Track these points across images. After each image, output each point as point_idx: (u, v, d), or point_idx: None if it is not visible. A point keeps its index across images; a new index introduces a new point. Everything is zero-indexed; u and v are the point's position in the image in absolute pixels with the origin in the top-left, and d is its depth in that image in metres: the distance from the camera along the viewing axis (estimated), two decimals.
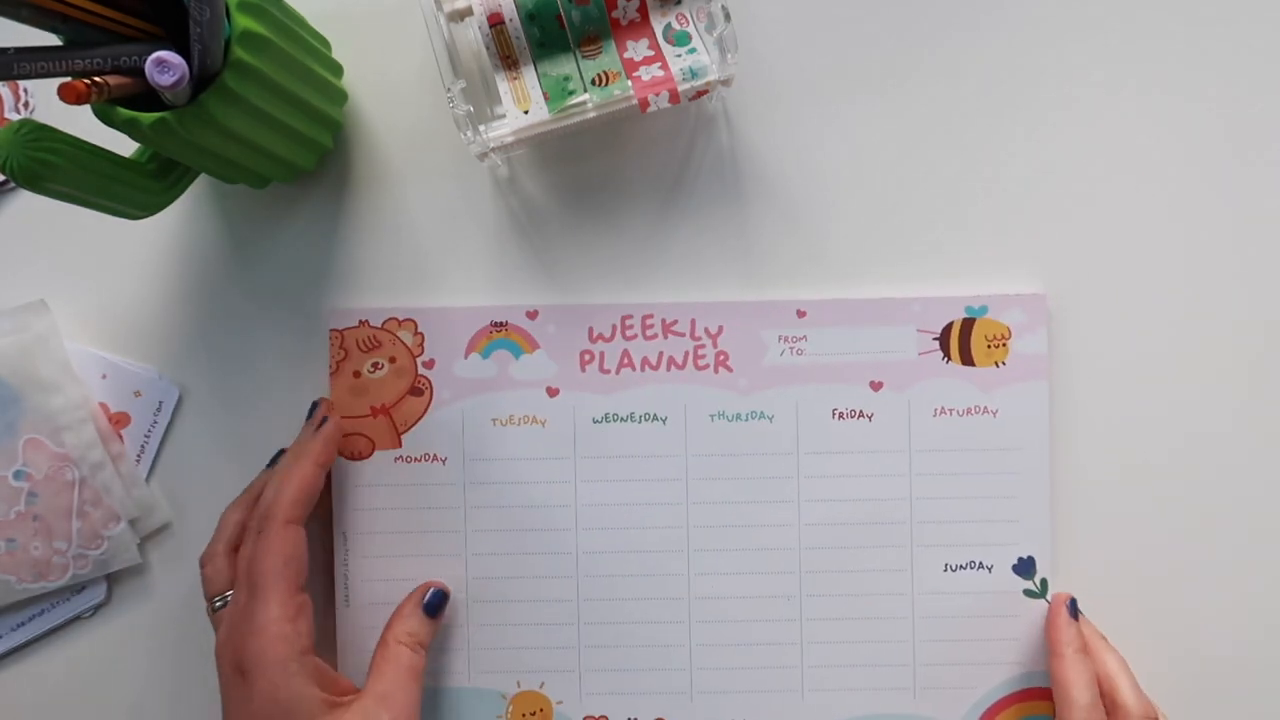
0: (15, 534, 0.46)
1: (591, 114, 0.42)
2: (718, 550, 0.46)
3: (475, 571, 0.46)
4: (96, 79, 0.33)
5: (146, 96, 0.36)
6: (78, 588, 0.47)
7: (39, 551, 0.46)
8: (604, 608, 0.46)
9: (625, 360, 0.46)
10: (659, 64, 0.42)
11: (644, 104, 0.41)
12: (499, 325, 0.46)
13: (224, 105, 0.37)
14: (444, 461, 0.46)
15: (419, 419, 0.46)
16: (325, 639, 0.45)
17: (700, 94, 0.42)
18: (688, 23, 0.43)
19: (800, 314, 0.46)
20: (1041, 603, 0.45)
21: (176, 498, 0.48)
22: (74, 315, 0.48)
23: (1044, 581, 0.45)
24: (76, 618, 0.47)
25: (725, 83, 0.42)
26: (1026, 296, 0.46)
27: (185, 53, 0.35)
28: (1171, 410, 0.46)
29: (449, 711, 0.46)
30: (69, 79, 0.33)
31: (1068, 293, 0.46)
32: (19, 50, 0.34)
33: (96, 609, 0.47)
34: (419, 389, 0.46)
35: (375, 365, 0.46)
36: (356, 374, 0.46)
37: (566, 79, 0.43)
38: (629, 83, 0.42)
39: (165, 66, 0.34)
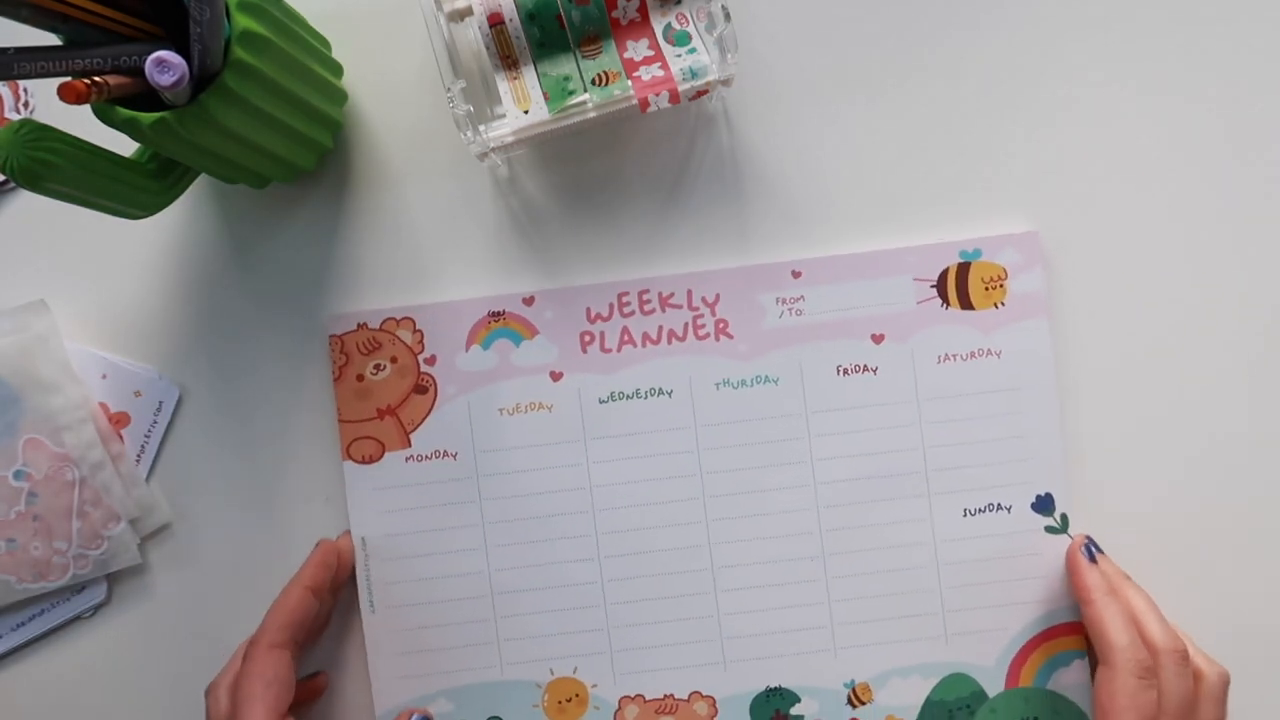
0: (15, 534, 0.46)
1: (591, 114, 0.42)
2: (736, 518, 0.46)
3: (496, 563, 0.46)
4: (96, 79, 0.33)
5: (146, 96, 0.36)
6: (78, 588, 0.47)
7: (39, 551, 0.46)
8: (628, 586, 0.46)
9: (625, 337, 0.46)
10: (659, 64, 0.42)
11: (644, 104, 0.41)
12: (497, 315, 0.46)
13: (224, 105, 0.37)
14: (455, 457, 0.46)
15: (426, 416, 0.46)
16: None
17: (700, 94, 0.42)
18: (688, 23, 0.43)
19: (795, 274, 0.46)
20: (1064, 538, 0.45)
21: (176, 498, 0.48)
22: (74, 315, 0.48)
23: (1064, 517, 0.45)
24: (76, 618, 0.47)
25: (725, 83, 0.42)
26: (1019, 236, 0.46)
27: (185, 53, 0.35)
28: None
29: (485, 706, 0.46)
30: (69, 79, 0.33)
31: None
32: (19, 50, 0.34)
33: (96, 609, 0.47)
34: (423, 386, 0.46)
35: (377, 367, 0.46)
36: (360, 377, 0.46)
37: (566, 79, 0.43)
38: (629, 83, 0.42)
39: (165, 66, 0.34)
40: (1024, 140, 0.46)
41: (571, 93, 0.42)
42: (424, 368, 0.46)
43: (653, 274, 0.46)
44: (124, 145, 0.39)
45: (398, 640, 0.45)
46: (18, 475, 0.46)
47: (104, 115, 0.37)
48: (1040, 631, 0.45)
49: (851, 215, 0.46)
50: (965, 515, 0.45)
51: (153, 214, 0.41)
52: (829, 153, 0.47)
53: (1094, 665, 0.43)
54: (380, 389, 0.46)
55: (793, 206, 0.46)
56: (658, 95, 0.41)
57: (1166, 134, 0.46)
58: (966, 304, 0.46)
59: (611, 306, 0.46)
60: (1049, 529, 0.45)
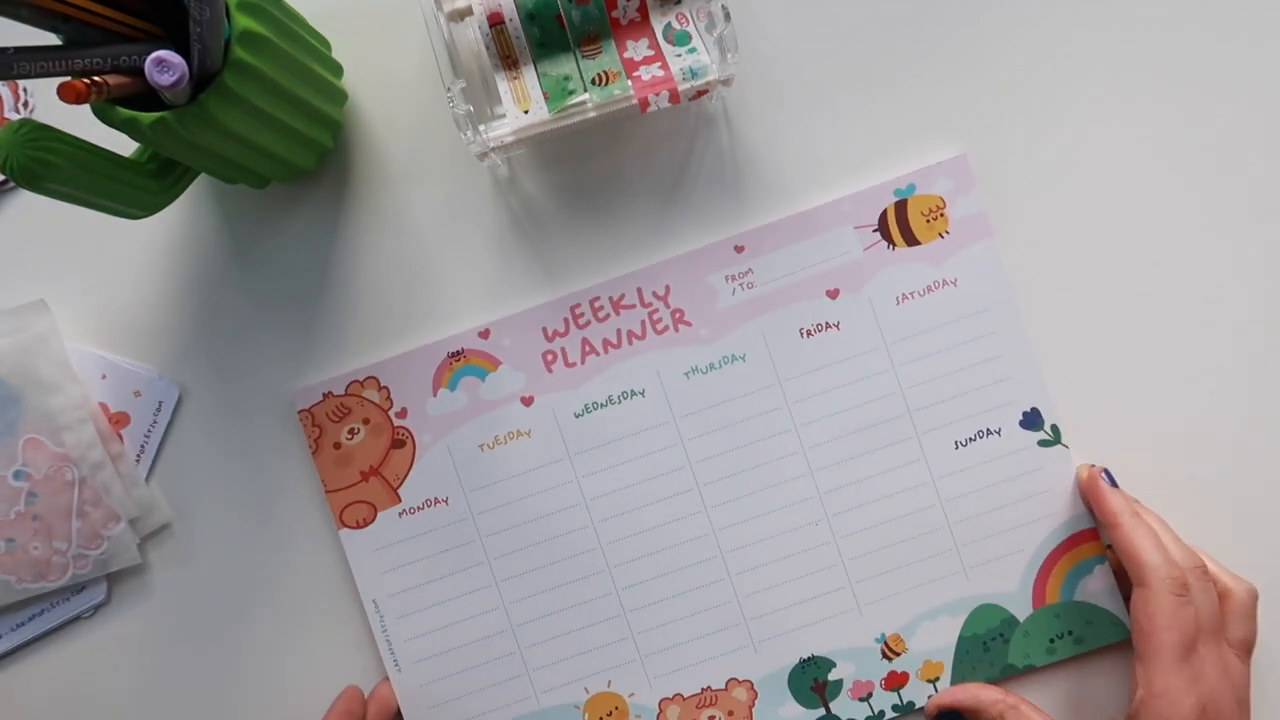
0: (15, 534, 0.46)
1: (591, 114, 0.42)
2: (734, 500, 0.46)
3: (510, 595, 0.46)
4: (96, 79, 0.33)
5: (146, 96, 0.36)
6: (78, 588, 0.47)
7: (39, 551, 0.46)
8: (644, 590, 0.46)
9: (587, 348, 0.46)
10: (659, 64, 0.42)
11: (644, 104, 0.41)
12: (456, 355, 0.46)
13: (224, 105, 0.37)
14: (447, 502, 0.46)
15: (409, 469, 0.46)
16: None
17: (700, 94, 0.42)
18: (688, 22, 0.43)
19: (739, 249, 0.46)
20: (1060, 448, 0.45)
21: (176, 498, 0.47)
22: (74, 315, 0.48)
23: (1055, 428, 0.45)
24: (76, 618, 0.47)
25: (725, 83, 0.42)
26: (948, 162, 0.46)
27: (185, 53, 0.35)
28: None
29: None
30: (69, 79, 0.33)
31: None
32: (19, 50, 0.34)
33: (96, 609, 0.47)
34: (400, 440, 0.46)
35: (351, 431, 0.46)
36: (337, 445, 0.46)
37: (566, 79, 0.43)
38: (629, 82, 0.42)
39: (165, 66, 0.34)
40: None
41: (571, 93, 0.42)
42: (397, 422, 0.46)
43: (600, 279, 0.46)
44: (124, 145, 0.39)
45: (430, 693, 0.46)
46: (17, 475, 0.46)
47: (104, 115, 0.37)
48: (1057, 545, 0.45)
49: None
50: (957, 447, 0.45)
51: (153, 214, 0.41)
52: (829, 153, 0.46)
53: (1118, 572, 0.44)
54: (359, 452, 0.46)
55: (792, 207, 0.46)
56: (658, 95, 0.41)
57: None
58: (912, 240, 0.46)
59: (566, 321, 0.46)
60: (1042, 443, 0.45)
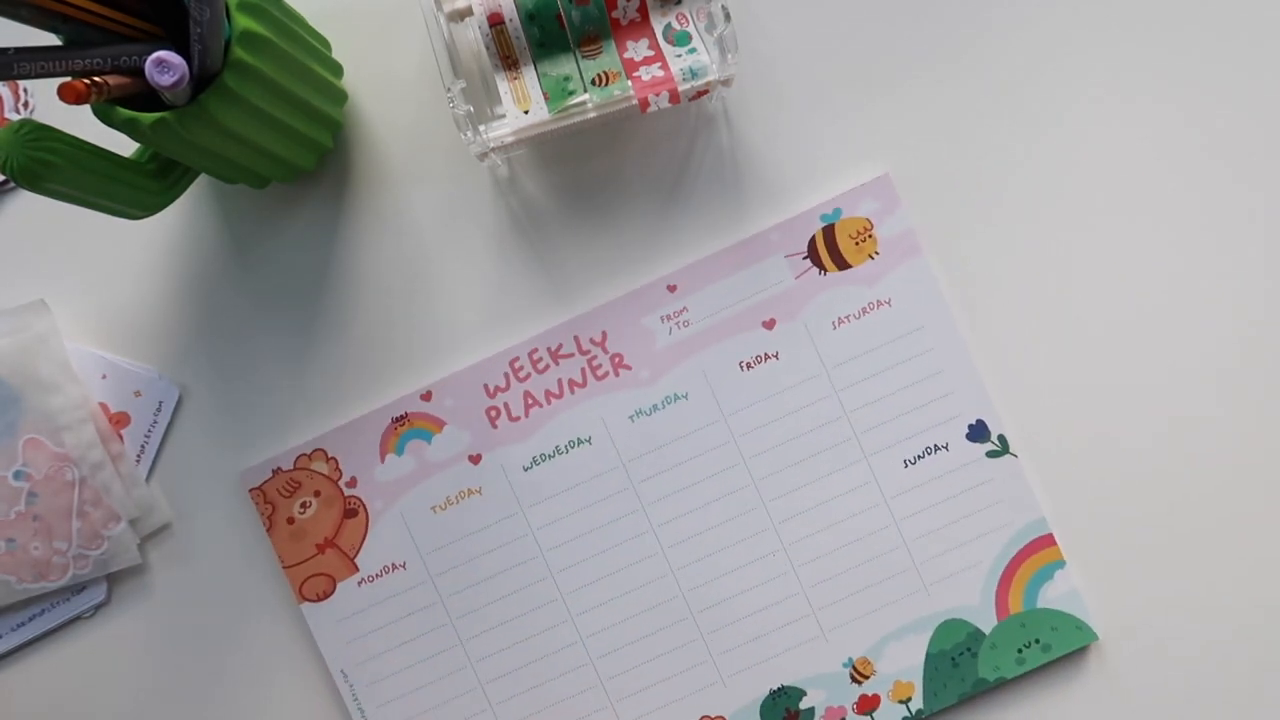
0: (15, 534, 0.46)
1: (591, 114, 0.42)
2: (689, 538, 0.46)
3: (476, 653, 0.46)
4: (96, 79, 0.33)
5: (146, 96, 0.36)
6: (78, 588, 0.47)
7: (39, 551, 0.46)
8: (610, 635, 0.46)
9: (530, 401, 0.46)
10: (659, 64, 0.42)
11: (644, 104, 0.41)
12: (400, 419, 0.46)
13: (224, 105, 0.37)
14: (404, 566, 0.46)
15: (364, 538, 0.46)
16: None
17: (700, 94, 0.42)
18: (688, 23, 0.43)
19: (671, 288, 0.46)
20: (1009, 458, 0.45)
21: (176, 498, 0.48)
22: (74, 315, 0.48)
23: (1002, 438, 0.45)
24: (76, 618, 0.47)
25: (725, 83, 0.42)
26: (871, 183, 0.46)
27: (185, 53, 0.35)
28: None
29: None
30: (69, 79, 0.33)
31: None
32: (19, 50, 0.34)
33: (96, 609, 0.47)
34: (352, 509, 0.46)
35: (304, 505, 0.46)
36: (290, 520, 0.46)
37: (566, 79, 0.43)
38: (629, 83, 0.42)
39: (165, 66, 0.34)
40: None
41: (571, 93, 0.42)
42: (348, 491, 0.46)
43: (536, 331, 0.46)
44: (124, 145, 0.39)
45: None
46: (17, 475, 0.46)
47: (104, 115, 0.37)
48: (1014, 554, 0.45)
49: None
50: (906, 466, 0.45)
51: (153, 214, 0.41)
52: (829, 153, 0.47)
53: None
54: (313, 525, 0.46)
55: (792, 206, 0.46)
56: (658, 95, 0.41)
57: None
58: (843, 264, 0.46)
59: (507, 376, 0.46)
60: (990, 453, 0.45)
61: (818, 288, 0.46)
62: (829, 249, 0.46)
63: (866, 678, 0.45)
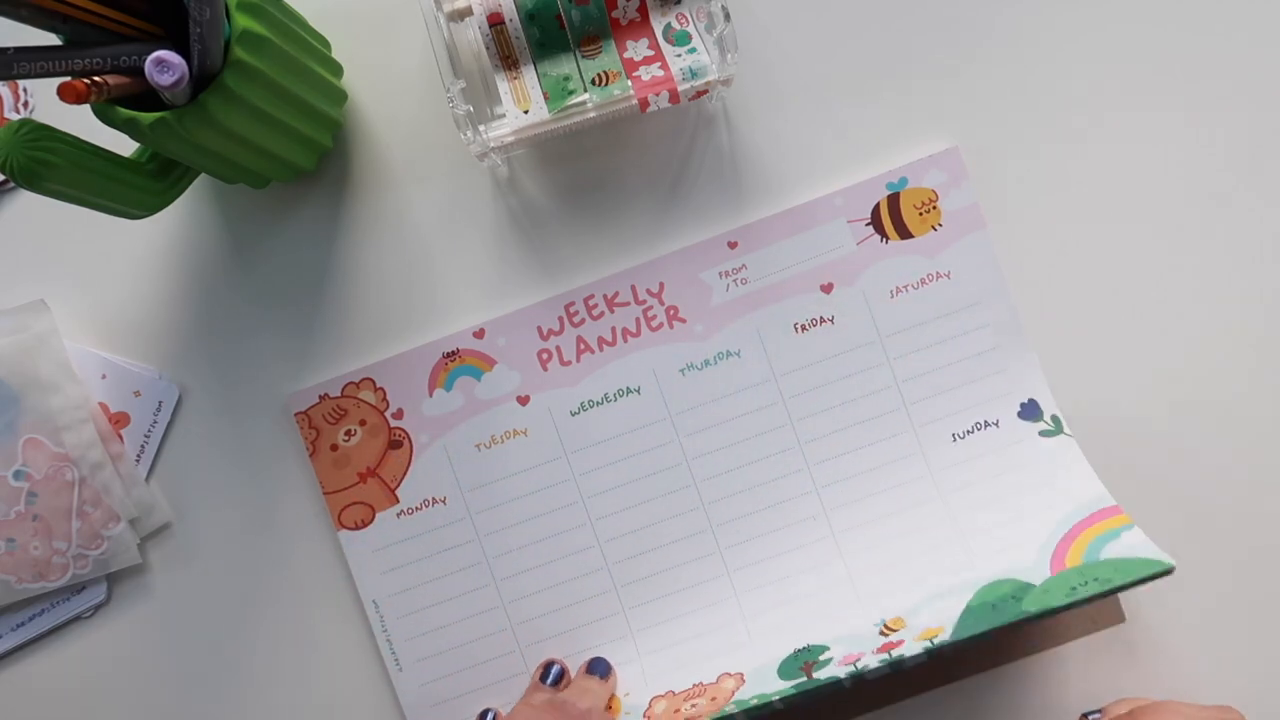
0: (15, 534, 0.46)
1: (591, 114, 0.42)
2: (731, 495, 0.46)
3: (508, 594, 0.46)
4: (96, 79, 0.33)
5: (146, 96, 0.36)
6: (78, 588, 0.47)
7: (39, 551, 0.46)
8: (642, 587, 0.46)
9: (582, 346, 0.46)
10: (659, 64, 0.42)
11: (644, 104, 0.41)
12: (451, 355, 0.46)
13: (224, 105, 0.37)
14: (445, 502, 0.46)
15: (407, 470, 0.46)
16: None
17: (700, 94, 0.42)
18: (688, 22, 0.43)
19: (732, 245, 0.46)
20: (1063, 438, 0.44)
21: (176, 498, 0.47)
22: (74, 315, 0.48)
23: (1055, 418, 0.45)
24: (76, 618, 0.47)
25: (725, 83, 0.42)
26: (940, 155, 0.46)
27: (185, 53, 0.35)
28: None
29: None
30: (69, 79, 0.33)
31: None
32: (19, 50, 0.34)
33: (96, 609, 0.47)
34: (397, 441, 0.46)
35: (349, 433, 0.46)
36: (334, 447, 0.46)
37: (566, 79, 0.43)
38: (629, 82, 0.42)
39: (165, 66, 0.34)
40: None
41: (571, 92, 0.42)
42: (393, 423, 0.46)
43: (596, 277, 0.46)
44: (124, 145, 0.39)
45: (430, 691, 0.46)
46: (17, 475, 0.46)
47: (104, 115, 0.37)
48: (1077, 522, 0.42)
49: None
50: (954, 440, 0.45)
51: (153, 214, 0.41)
52: (829, 152, 0.46)
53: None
54: (356, 453, 0.46)
55: (791, 205, 0.46)
56: (658, 95, 0.41)
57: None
58: (905, 234, 0.46)
59: (561, 319, 0.46)
60: (1044, 433, 0.45)
61: (878, 255, 0.45)
62: (892, 217, 0.45)
63: (894, 631, 0.43)
